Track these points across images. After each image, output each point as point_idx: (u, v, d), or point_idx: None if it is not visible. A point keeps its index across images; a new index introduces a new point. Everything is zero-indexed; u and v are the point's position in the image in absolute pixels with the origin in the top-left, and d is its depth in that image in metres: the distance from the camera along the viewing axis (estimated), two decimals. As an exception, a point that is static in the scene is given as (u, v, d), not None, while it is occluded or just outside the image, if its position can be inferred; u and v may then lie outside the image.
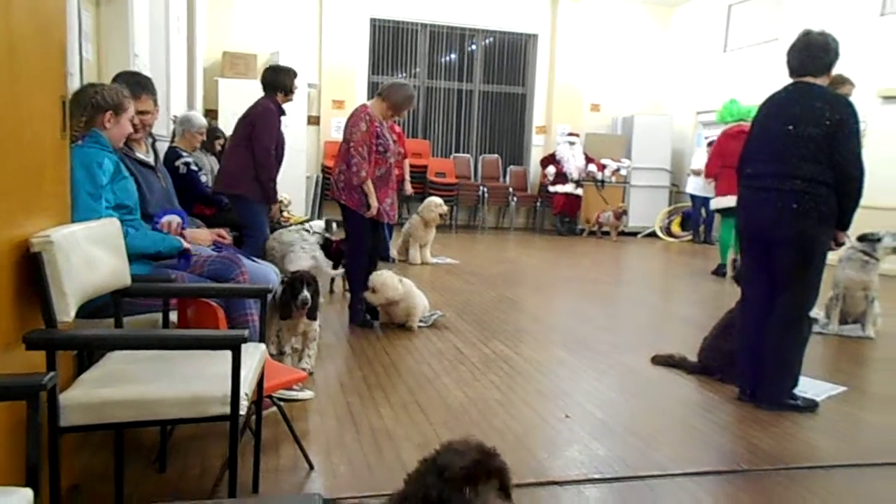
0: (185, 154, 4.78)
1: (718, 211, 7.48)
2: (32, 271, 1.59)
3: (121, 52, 4.93)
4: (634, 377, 3.67)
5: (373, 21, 11.02)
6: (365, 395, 3.16)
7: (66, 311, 1.64)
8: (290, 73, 4.62)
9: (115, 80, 3.09)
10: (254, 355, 1.90)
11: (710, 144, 10.59)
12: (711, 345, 3.73)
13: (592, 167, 11.21)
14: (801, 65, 3.19)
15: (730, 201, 7.29)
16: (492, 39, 11.93)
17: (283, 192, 6.90)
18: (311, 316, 3.22)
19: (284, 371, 2.50)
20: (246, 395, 1.72)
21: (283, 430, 2.57)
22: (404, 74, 11.62)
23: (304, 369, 3.12)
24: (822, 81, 3.19)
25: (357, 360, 3.74)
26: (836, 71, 3.30)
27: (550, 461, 2.55)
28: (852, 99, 3.49)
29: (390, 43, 11.43)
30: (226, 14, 10.12)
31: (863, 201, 3.13)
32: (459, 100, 11.95)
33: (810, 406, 3.22)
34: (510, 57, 12.08)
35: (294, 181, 9.76)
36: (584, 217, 11.29)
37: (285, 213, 6.54)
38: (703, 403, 3.30)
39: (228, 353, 1.69)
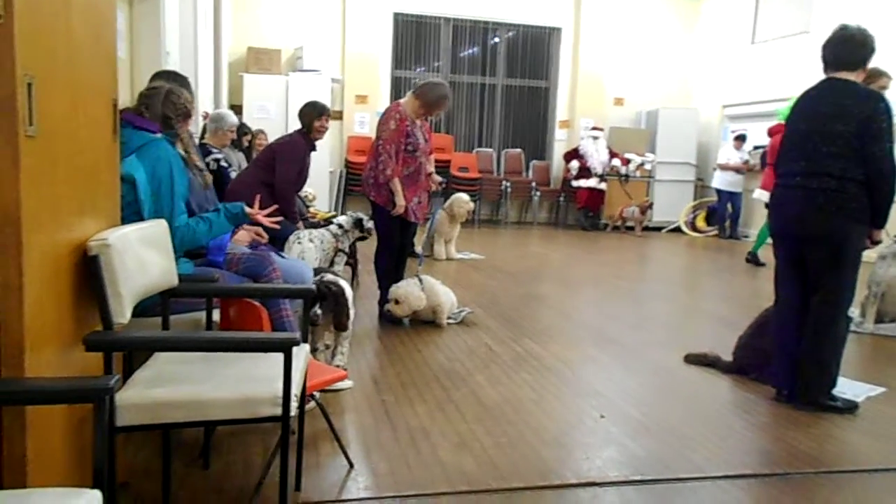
0: (215, 150, 4.83)
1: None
2: (89, 274, 1.62)
3: (153, 50, 4.99)
4: (667, 376, 3.65)
5: (396, 15, 11.02)
6: (399, 392, 3.17)
7: (123, 312, 1.67)
8: (312, 110, 4.65)
9: (154, 78, 3.14)
10: (300, 356, 1.92)
11: (737, 138, 10.51)
12: (746, 344, 3.69)
13: (616, 161, 11.13)
14: (837, 59, 3.14)
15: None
16: (514, 33, 11.87)
17: (307, 187, 6.95)
18: (340, 328, 3.14)
19: (325, 370, 2.52)
20: (296, 396, 1.74)
21: (321, 428, 2.59)
22: (426, 69, 11.61)
23: (337, 366, 3.14)
24: (857, 76, 3.13)
25: (389, 356, 3.76)
26: (872, 64, 3.25)
27: (589, 462, 2.54)
28: (890, 93, 3.43)
29: (413, 37, 11.42)
30: (251, 10, 10.17)
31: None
32: (482, 94, 11.92)
33: (850, 407, 3.18)
34: (533, 50, 12.01)
35: (318, 176, 9.80)
36: (607, 212, 11.22)
37: (311, 209, 6.58)
38: (740, 403, 3.28)
39: (276, 354, 1.71)
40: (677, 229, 11.37)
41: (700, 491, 2.35)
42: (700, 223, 11.41)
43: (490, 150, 11.79)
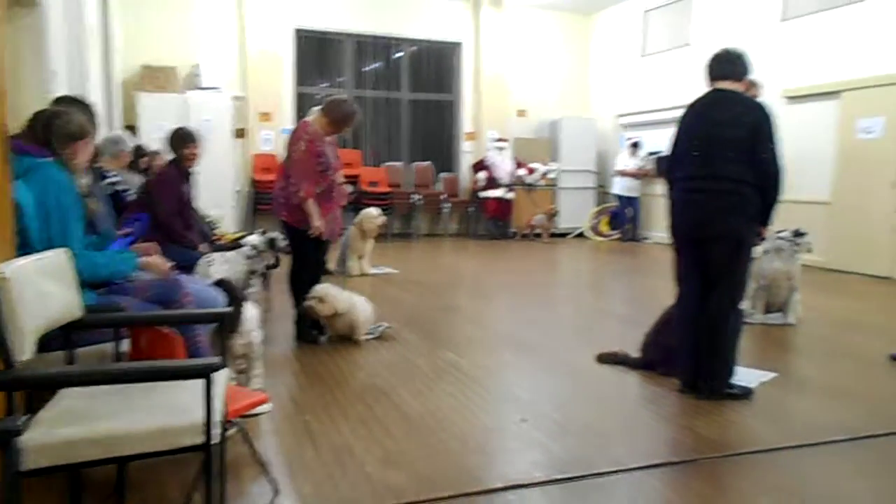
0: (111, 174, 4.61)
1: None
2: (-15, 310, 1.52)
3: (37, 70, 4.71)
4: (581, 376, 3.79)
5: (297, 31, 10.89)
6: (321, 411, 3.13)
7: (24, 348, 1.57)
8: (178, 138, 4.59)
9: (54, 103, 2.99)
10: (220, 381, 1.87)
11: (632, 146, 11.09)
12: (652, 340, 3.89)
13: (522, 171, 11.46)
14: (722, 72, 3.41)
15: None
16: (417, 48, 12.01)
17: (211, 208, 6.73)
18: (230, 328, 3.01)
19: (245, 394, 2.47)
20: (218, 422, 1.69)
21: (242, 454, 2.52)
22: (331, 84, 11.54)
23: (255, 390, 3.07)
24: (738, 87, 3.41)
25: (308, 376, 3.70)
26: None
27: (513, 465, 2.61)
28: (764, 101, 3.74)
29: (316, 53, 11.33)
30: (143, 26, 9.75)
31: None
32: (388, 108, 11.96)
33: (746, 393, 3.42)
34: (436, 65, 12.19)
35: (223, 195, 9.54)
36: (515, 221, 11.51)
37: (217, 231, 6.38)
38: (649, 397, 3.46)
39: (192, 381, 1.66)
40: (582, 234, 11.82)
41: (619, 483, 2.46)
42: (603, 228, 11.91)
43: (399, 163, 11.84)
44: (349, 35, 11.38)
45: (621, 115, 12.12)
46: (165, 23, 9.97)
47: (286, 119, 10.64)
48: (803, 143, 8.16)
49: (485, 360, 4.07)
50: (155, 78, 9.42)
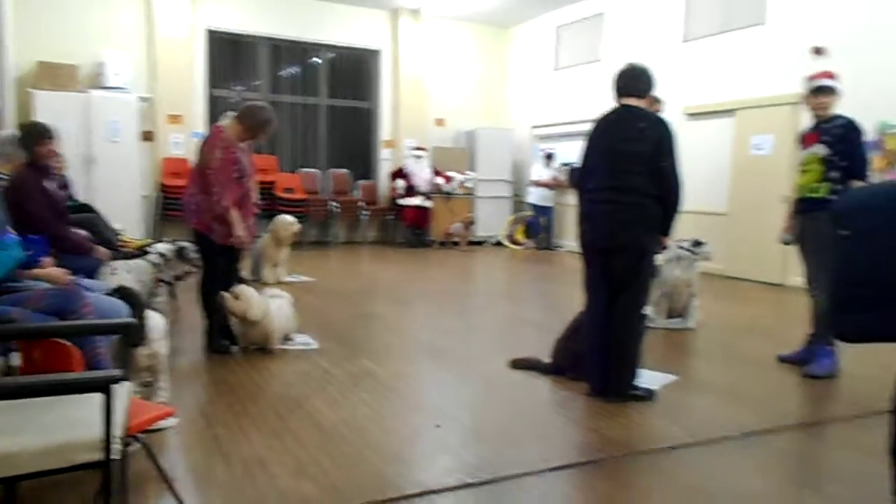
0: (5, 177, 4.32)
1: None
2: None
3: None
4: (495, 382, 3.87)
5: (210, 33, 10.58)
6: (232, 424, 3.05)
7: None
8: (28, 135, 4.12)
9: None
10: (121, 395, 1.80)
11: (546, 156, 11.42)
12: (562, 346, 4.02)
13: (440, 180, 11.57)
14: (628, 89, 3.59)
15: None
16: (335, 54, 11.93)
17: (115, 217, 6.40)
18: (133, 340, 2.90)
19: (149, 408, 2.37)
20: (119, 438, 1.63)
21: (145, 469, 2.43)
22: (246, 88, 11.27)
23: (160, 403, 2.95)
24: (642, 104, 3.60)
25: (218, 388, 3.60)
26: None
27: (426, 472, 2.64)
28: (666, 117, 3.97)
29: (229, 55, 11.04)
30: (40, 20, 9.21)
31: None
32: (305, 114, 11.80)
33: (649, 395, 3.59)
34: (354, 72, 12.14)
35: (130, 202, 9.13)
36: (434, 228, 11.60)
37: (122, 239, 6.09)
38: (559, 401, 3.57)
39: (91, 396, 1.59)
40: (499, 243, 12.05)
41: (528, 486, 2.53)
42: (519, 236, 12.19)
43: (315, 170, 11.69)
44: (264, 38, 11.15)
45: (536, 127, 12.46)
46: (64, 18, 9.45)
47: (197, 122, 10.31)
48: (703, 157, 8.66)
49: (401, 367, 4.09)
50: (54, 75, 8.91)
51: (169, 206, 9.47)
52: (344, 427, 3.05)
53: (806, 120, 4.44)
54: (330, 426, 3.06)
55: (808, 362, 4.11)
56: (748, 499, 2.44)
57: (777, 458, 2.90)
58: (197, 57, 10.42)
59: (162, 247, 4.45)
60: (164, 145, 10.07)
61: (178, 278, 4.69)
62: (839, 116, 4.08)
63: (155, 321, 3.05)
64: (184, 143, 10.02)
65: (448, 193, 11.64)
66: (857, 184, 3.90)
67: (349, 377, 3.83)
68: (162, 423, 2.80)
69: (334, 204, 11.18)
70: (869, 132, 6.12)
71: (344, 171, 11.87)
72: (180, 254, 4.41)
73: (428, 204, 11.44)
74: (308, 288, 6.86)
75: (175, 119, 10.11)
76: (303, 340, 4.54)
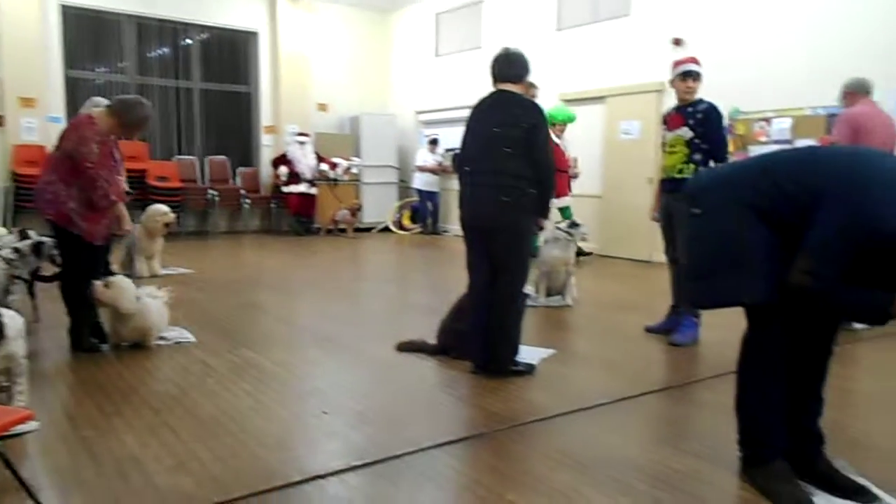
0: None
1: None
2: None
3: None
4: (382, 366, 3.90)
5: (64, 8, 9.77)
6: (102, 424, 2.88)
7: None
8: None
9: None
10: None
11: (431, 142, 11.51)
12: (447, 327, 4.11)
13: (324, 166, 11.38)
14: (503, 74, 3.70)
15: (560, 202, 8.29)
16: (208, 35, 11.38)
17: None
18: None
19: (5, 412, 2.19)
20: (-35, 445, 1.50)
21: (4, 479, 2.25)
22: (109, 69, 10.52)
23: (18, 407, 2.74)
24: (518, 89, 3.72)
25: (86, 388, 3.38)
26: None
27: (312, 457, 2.62)
28: (540, 102, 4.13)
29: (89, 34, 10.25)
30: None
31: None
32: (178, 98, 11.20)
33: (529, 370, 3.75)
34: (230, 54, 11.66)
35: (-24, 192, 8.30)
36: (320, 216, 11.41)
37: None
38: (444, 380, 3.66)
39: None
40: (386, 229, 12.05)
41: (414, 463, 2.58)
42: (406, 222, 12.25)
43: (192, 157, 11.15)
44: (129, 16, 10.45)
45: (420, 112, 12.53)
46: None
47: (54, 106, 9.52)
48: (578, 142, 9.06)
49: (286, 356, 4.01)
50: None
51: (22, 196, 8.70)
52: (225, 419, 2.97)
53: (669, 105, 4.75)
54: (210, 419, 2.96)
55: (673, 332, 4.45)
56: (614, 458, 2.62)
57: (643, 420, 3.13)
58: (50, 34, 9.59)
59: (14, 240, 4.09)
60: (16, 130, 9.23)
61: (36, 275, 4.34)
62: (702, 101, 4.39)
63: (10, 320, 2.81)
64: (39, 127, 9.23)
65: (333, 180, 11.48)
66: (717, 165, 4.25)
67: (231, 369, 3.72)
68: (20, 428, 2.60)
69: (213, 192, 10.73)
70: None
71: (222, 157, 11.40)
72: (37, 250, 4.07)
73: (313, 191, 11.23)
74: (185, 280, 6.56)
75: (28, 102, 9.29)
76: (178, 335, 4.35)
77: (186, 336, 4.34)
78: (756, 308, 2.31)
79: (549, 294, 5.73)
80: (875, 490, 2.33)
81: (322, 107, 12.24)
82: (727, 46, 7.58)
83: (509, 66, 3.70)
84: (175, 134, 11.19)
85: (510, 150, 3.52)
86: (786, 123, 7.24)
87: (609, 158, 9.05)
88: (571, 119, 8.22)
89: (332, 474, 2.45)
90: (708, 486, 2.42)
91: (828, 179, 2.09)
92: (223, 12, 11.16)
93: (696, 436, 2.91)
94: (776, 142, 7.22)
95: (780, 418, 2.38)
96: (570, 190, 8.44)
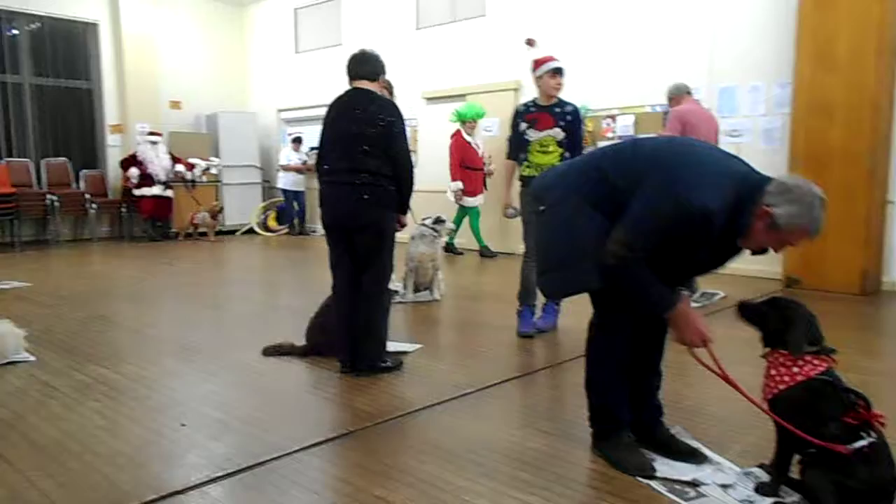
0: None
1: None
2: None
3: None
4: (248, 372, 3.78)
5: None
6: (-80, 462, 2.57)
7: None
8: None
9: None
10: None
11: (294, 140, 11.26)
12: (315, 326, 4.06)
13: (180, 167, 10.79)
14: (358, 72, 3.70)
15: (474, 200, 8.23)
16: (39, 25, 10.40)
17: None
18: None
19: None
20: None
21: None
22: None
23: None
24: (374, 87, 3.74)
25: None
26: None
27: (169, 472, 2.50)
28: (400, 101, 4.17)
29: None
30: None
31: (416, 186, 3.80)
32: (5, 95, 10.15)
33: (397, 365, 3.80)
34: (67, 46, 10.73)
35: None
36: (177, 220, 10.81)
37: None
38: (313, 381, 3.61)
39: None
40: (251, 231, 11.64)
41: (280, 468, 2.53)
42: (272, 223, 11.90)
43: (25, 160, 10.15)
44: (-59, 2, 9.33)
45: (282, 110, 12.22)
46: None
47: None
48: (442, 140, 9.24)
49: (141, 370, 3.78)
50: None
51: None
52: (71, 442, 2.75)
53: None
54: (53, 444, 2.73)
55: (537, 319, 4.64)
56: (478, 444, 2.72)
57: (504, 405, 3.27)
58: None
59: None
60: None
61: None
62: (564, 101, 4.57)
63: None
64: None
65: (191, 181, 10.92)
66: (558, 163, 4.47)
67: (76, 387, 3.44)
68: None
69: (53, 197, 9.84)
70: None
71: (62, 159, 10.48)
72: None
73: (168, 193, 10.62)
74: (21, 294, 5.98)
75: None
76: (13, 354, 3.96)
77: (24, 355, 3.96)
78: (599, 293, 2.49)
79: (416, 290, 5.81)
80: (706, 451, 2.59)
81: (175, 104, 11.58)
82: (576, 48, 8.04)
83: (364, 65, 3.72)
84: (3, 134, 10.14)
85: (368, 147, 3.53)
86: (629, 120, 7.82)
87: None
88: (480, 115, 8.40)
89: (191, 488, 2.35)
90: (563, 461, 2.57)
91: (647, 164, 2.30)
92: (57, 1, 10.24)
93: (553, 416, 3.08)
94: (621, 137, 7.77)
95: (624, 394, 2.58)
96: (485, 188, 8.61)
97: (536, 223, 2.64)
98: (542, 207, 2.55)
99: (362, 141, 3.54)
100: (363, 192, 3.55)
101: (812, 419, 2.09)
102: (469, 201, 8.49)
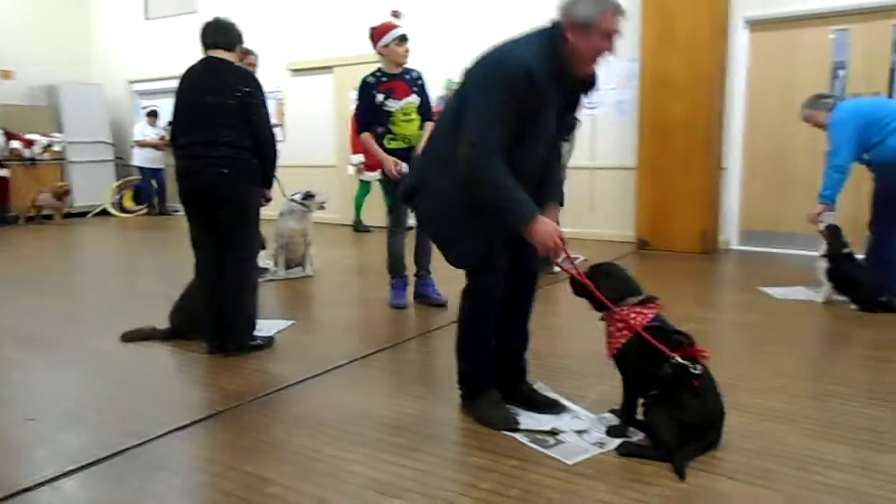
0: None
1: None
2: None
3: None
4: (104, 360, 3.56)
5: None
6: None
7: None
8: None
9: None
10: None
11: (149, 114, 10.54)
12: (179, 308, 3.89)
13: (17, 144, 9.79)
14: (212, 41, 3.54)
15: (374, 175, 7.79)
16: None
17: None
18: None
19: None
20: None
21: None
22: None
23: None
24: (230, 56, 3.58)
25: None
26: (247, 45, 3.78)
27: (16, 469, 2.32)
28: (263, 72, 4.03)
29: None
30: None
31: (284, 161, 3.70)
32: None
33: (268, 343, 3.73)
34: None
35: None
36: (16, 202, 9.83)
37: None
38: (179, 365, 3.47)
39: None
40: (105, 212, 10.83)
41: (142, 455, 2.43)
42: (128, 203, 11.14)
43: None
44: None
45: (134, 82, 11.38)
46: None
47: None
48: (310, 111, 9.05)
49: (-22, 365, 3.45)
50: None
51: None
52: None
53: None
54: None
55: (422, 294, 4.67)
56: (351, 414, 2.75)
57: (378, 375, 3.30)
58: None
59: None
60: None
61: None
62: (408, 67, 4.56)
63: None
64: None
65: (30, 160, 9.95)
66: (430, 125, 4.45)
67: None
68: None
69: None
70: (438, 88, 7.15)
71: None
72: None
73: (4, 173, 9.61)
74: None
75: None
76: None
77: None
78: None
79: (288, 266, 5.70)
80: (564, 402, 2.78)
81: (6, 74, 10.44)
82: (441, 19, 8.10)
83: (220, 34, 3.56)
84: None
85: (226, 119, 3.40)
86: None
87: (341, 129, 9.16)
88: None
89: (41, 484, 2.20)
90: (434, 423, 2.67)
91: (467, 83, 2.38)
92: None
93: (425, 382, 3.16)
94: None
95: (491, 356, 2.70)
96: None
97: (419, 215, 2.71)
98: (419, 199, 2.57)
99: (219, 112, 3.40)
100: (222, 165, 3.41)
101: (651, 363, 2.31)
102: (368, 175, 8.37)
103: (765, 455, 2.33)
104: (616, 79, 7.13)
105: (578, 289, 2.53)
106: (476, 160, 2.29)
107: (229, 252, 3.56)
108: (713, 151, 6.54)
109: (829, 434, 2.49)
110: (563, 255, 2.42)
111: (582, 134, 6.84)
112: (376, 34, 4.47)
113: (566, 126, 2.61)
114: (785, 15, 6.33)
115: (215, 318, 3.58)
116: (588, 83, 2.50)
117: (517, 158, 2.35)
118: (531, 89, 2.26)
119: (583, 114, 6.94)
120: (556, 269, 5.66)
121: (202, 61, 3.53)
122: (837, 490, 2.10)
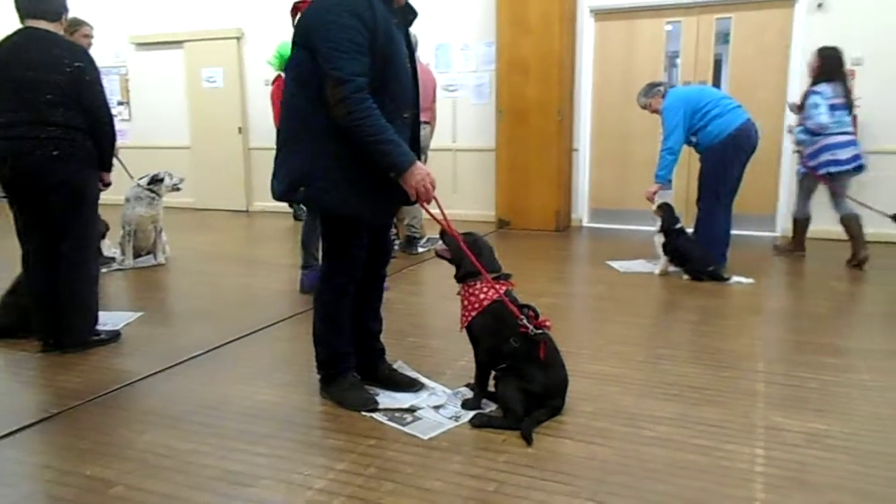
0: None
1: None
2: None
3: None
4: (-86, 366, 3.18)
5: None
6: None
7: None
8: None
9: None
10: None
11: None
12: (5, 304, 3.56)
13: None
14: (32, 9, 3.21)
15: None
16: None
17: None
18: None
19: None
20: None
21: None
22: None
23: None
24: (56, 27, 3.26)
25: None
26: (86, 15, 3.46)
27: None
28: (101, 43, 3.69)
29: None
30: None
31: (131, 142, 3.45)
32: None
33: (113, 337, 3.50)
34: None
35: None
36: None
37: None
38: (8, 364, 3.18)
39: None
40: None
41: (-38, 467, 2.21)
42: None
43: None
44: None
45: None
46: None
47: None
48: (157, 89, 8.48)
49: None
50: None
51: None
52: None
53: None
54: None
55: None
56: (205, 405, 2.66)
57: (234, 364, 3.20)
58: None
59: None
60: None
61: None
62: None
63: None
64: None
65: None
66: None
67: None
68: None
69: None
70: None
71: None
72: None
73: None
74: None
75: None
76: None
77: None
78: (327, 244, 2.56)
79: (137, 255, 5.35)
80: (423, 380, 2.85)
81: None
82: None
83: (41, 1, 3.22)
84: None
85: (53, 96, 3.11)
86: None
87: (195, 107, 8.68)
88: None
89: None
90: (293, 409, 2.64)
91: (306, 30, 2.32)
92: None
93: (284, 368, 3.11)
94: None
95: (349, 339, 2.71)
96: None
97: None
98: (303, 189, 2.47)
99: (45, 89, 3.10)
100: (51, 146, 3.13)
101: (498, 336, 2.43)
102: None
103: (600, 415, 2.53)
104: (475, 62, 7.30)
105: (450, 249, 2.55)
106: (350, 99, 2.22)
107: (65, 241, 3.29)
108: (566, 134, 6.89)
109: (656, 393, 2.75)
110: (434, 201, 2.44)
111: (443, 116, 6.95)
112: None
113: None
114: (625, 6, 6.77)
115: (49, 313, 3.31)
116: (406, 10, 2.54)
117: (386, 110, 2.32)
118: (371, 15, 2.26)
119: (444, 96, 7.07)
120: (421, 249, 5.77)
121: (20, 32, 3.19)
122: (660, 441, 2.33)
